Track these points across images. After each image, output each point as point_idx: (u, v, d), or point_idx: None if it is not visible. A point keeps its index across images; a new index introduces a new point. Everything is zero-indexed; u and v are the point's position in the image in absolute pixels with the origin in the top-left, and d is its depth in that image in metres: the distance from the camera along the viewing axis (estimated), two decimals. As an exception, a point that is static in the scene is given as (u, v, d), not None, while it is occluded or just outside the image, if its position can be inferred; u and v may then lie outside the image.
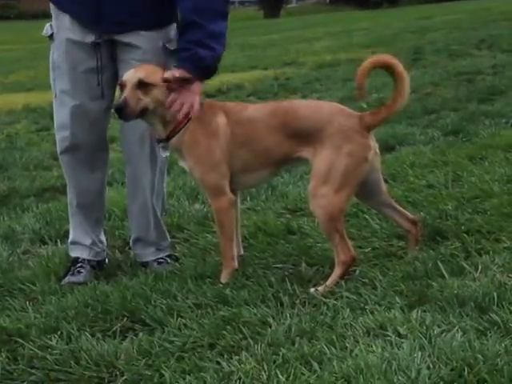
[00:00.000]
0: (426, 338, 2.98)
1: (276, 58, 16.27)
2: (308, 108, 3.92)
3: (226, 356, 3.07)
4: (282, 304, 3.51)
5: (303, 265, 3.98)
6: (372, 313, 3.29)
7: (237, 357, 3.05)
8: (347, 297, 3.49)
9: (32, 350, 3.28)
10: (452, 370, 2.75)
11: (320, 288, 3.64)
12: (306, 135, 3.76)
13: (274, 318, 3.35)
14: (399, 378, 2.72)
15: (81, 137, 4.16)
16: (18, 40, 33.65)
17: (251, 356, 3.03)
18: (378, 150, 3.82)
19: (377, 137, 3.92)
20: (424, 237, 4.13)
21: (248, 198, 5.38)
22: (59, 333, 3.41)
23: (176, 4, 4.10)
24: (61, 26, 4.10)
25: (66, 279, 4.18)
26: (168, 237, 4.43)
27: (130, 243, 4.45)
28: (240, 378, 2.87)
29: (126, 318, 3.54)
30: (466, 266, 3.70)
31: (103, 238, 4.43)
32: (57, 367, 3.13)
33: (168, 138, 3.88)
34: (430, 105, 8.67)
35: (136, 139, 4.19)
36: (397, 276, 3.66)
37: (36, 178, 6.75)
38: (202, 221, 4.99)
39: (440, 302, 3.31)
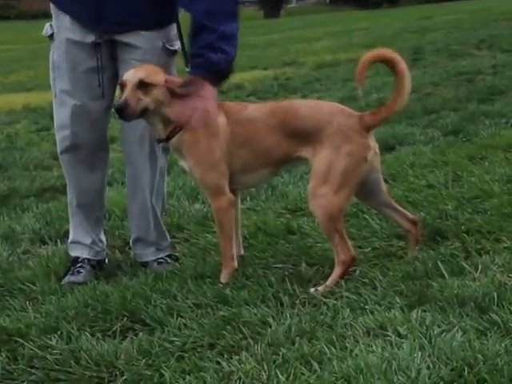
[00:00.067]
0: (426, 338, 2.98)
1: (276, 57, 16.28)
2: (308, 108, 3.92)
3: (225, 356, 3.07)
4: (281, 304, 3.51)
5: (303, 265, 3.98)
6: (372, 313, 3.29)
7: (237, 357, 3.05)
8: (347, 297, 3.49)
9: (32, 349, 3.28)
10: (452, 369, 2.75)
11: (320, 288, 3.64)
12: (305, 135, 3.76)
13: (273, 317, 3.35)
14: (399, 377, 2.72)
15: (81, 136, 4.16)
16: (18, 40, 33.64)
17: (251, 356, 3.03)
18: (377, 150, 3.82)
19: (377, 137, 3.92)
20: (424, 237, 4.12)
21: (248, 198, 5.38)
22: (59, 333, 3.41)
23: (176, 4, 4.11)
24: (61, 26, 4.10)
25: (66, 279, 4.18)
26: (168, 237, 4.44)
27: (130, 243, 4.45)
28: (240, 378, 2.87)
29: (126, 318, 3.54)
30: (466, 265, 3.70)
31: (103, 237, 4.44)
32: (57, 367, 3.13)
33: (168, 138, 3.88)
34: (430, 105, 8.67)
35: (136, 139, 4.20)
36: (397, 276, 3.66)
37: (36, 178, 6.75)
38: (201, 221, 4.99)
39: (440, 302, 3.31)
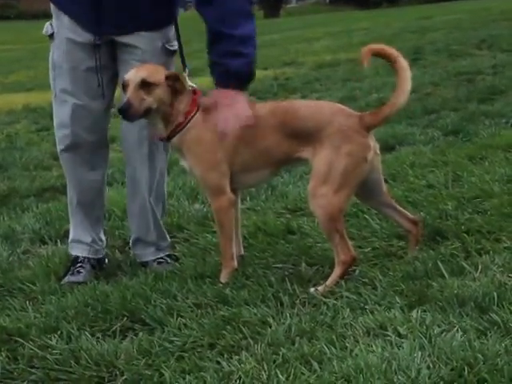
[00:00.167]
0: (426, 338, 2.97)
1: (276, 57, 16.26)
2: (308, 108, 3.92)
3: (225, 356, 3.07)
4: (282, 304, 3.51)
5: (303, 265, 3.98)
6: (372, 313, 3.29)
7: (237, 356, 3.05)
8: (347, 297, 3.49)
9: (32, 349, 3.28)
10: (452, 369, 2.75)
11: (320, 288, 3.64)
12: (305, 135, 3.76)
13: (273, 317, 3.34)
14: (399, 377, 2.72)
15: (82, 136, 4.17)
16: (18, 40, 33.65)
17: (251, 356, 3.03)
18: (378, 150, 3.82)
19: (377, 137, 3.92)
20: (424, 237, 4.12)
21: (248, 198, 5.38)
22: (59, 332, 3.41)
23: (175, 4, 4.12)
24: (61, 26, 4.10)
25: (66, 279, 4.18)
26: (168, 237, 4.44)
27: (130, 243, 4.45)
28: (240, 378, 2.87)
29: (125, 318, 3.54)
30: (466, 265, 3.70)
31: (103, 236, 4.44)
32: (57, 367, 3.13)
33: (169, 138, 3.88)
34: (430, 105, 8.67)
35: (135, 140, 4.20)
36: (397, 276, 3.66)
37: (36, 178, 6.75)
38: (201, 221, 4.99)
39: (440, 302, 3.31)
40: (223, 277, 3.87)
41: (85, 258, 4.30)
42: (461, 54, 13.61)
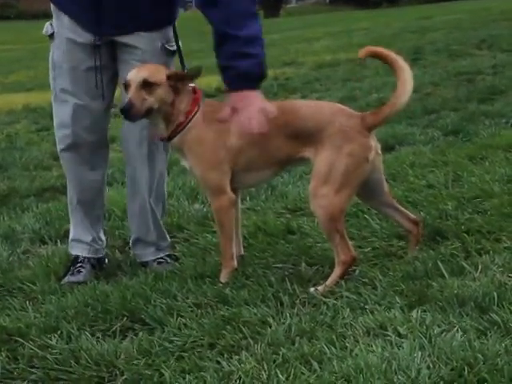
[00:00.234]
0: (426, 338, 2.97)
1: (275, 57, 16.25)
2: (309, 108, 3.92)
3: (225, 356, 3.07)
4: (281, 304, 3.51)
5: (303, 265, 3.98)
6: (372, 312, 3.29)
7: (237, 356, 3.05)
8: (347, 296, 3.49)
9: (32, 349, 3.28)
10: (452, 369, 2.75)
11: (320, 288, 3.64)
12: (307, 135, 3.75)
13: (273, 317, 3.34)
14: (399, 377, 2.72)
15: (82, 135, 4.17)
16: (18, 40, 33.65)
17: (251, 356, 3.03)
18: (379, 151, 3.82)
19: (377, 137, 3.91)
20: (424, 237, 4.12)
21: (248, 198, 5.38)
22: (59, 332, 3.41)
23: (175, 4, 4.12)
24: (61, 26, 4.11)
25: (66, 279, 4.18)
26: (168, 237, 4.44)
27: (130, 243, 4.45)
28: (240, 378, 2.87)
29: (125, 318, 3.54)
30: (466, 265, 3.70)
31: (103, 236, 4.44)
32: (57, 366, 3.13)
33: (170, 138, 3.88)
34: (430, 105, 8.67)
35: (135, 140, 4.20)
36: (397, 276, 3.66)
37: (36, 178, 6.75)
38: (201, 221, 4.99)
39: (440, 302, 3.31)
40: (223, 277, 3.87)
41: (85, 257, 4.31)
42: (461, 53, 13.61)
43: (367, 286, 3.61)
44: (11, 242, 4.92)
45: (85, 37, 4.05)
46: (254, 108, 3.71)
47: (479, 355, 2.79)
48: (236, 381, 2.87)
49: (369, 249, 4.14)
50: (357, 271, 3.81)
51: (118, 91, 4.21)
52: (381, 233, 4.33)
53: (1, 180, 6.78)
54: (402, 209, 4.04)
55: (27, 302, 3.83)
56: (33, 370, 3.15)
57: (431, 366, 2.79)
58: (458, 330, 3.03)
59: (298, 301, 3.54)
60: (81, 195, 4.31)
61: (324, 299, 3.49)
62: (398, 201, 4.17)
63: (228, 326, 3.29)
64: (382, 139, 3.90)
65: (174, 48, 4.15)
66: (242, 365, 2.95)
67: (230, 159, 3.81)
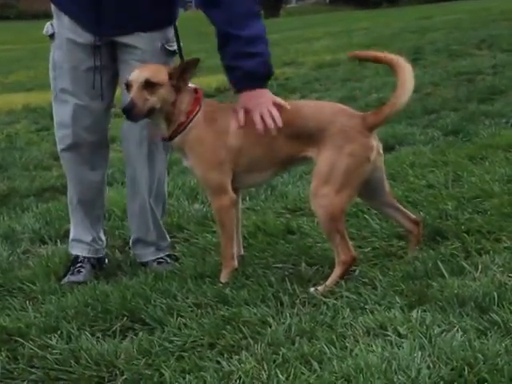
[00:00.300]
0: (426, 338, 2.97)
1: (275, 57, 16.21)
2: (310, 108, 3.92)
3: (225, 355, 3.07)
4: (281, 304, 3.51)
5: (303, 265, 3.98)
6: (372, 312, 3.28)
7: (237, 356, 3.05)
8: (347, 296, 3.49)
9: (32, 349, 3.29)
10: (452, 369, 2.75)
11: (320, 288, 3.64)
12: (308, 135, 3.75)
13: (273, 317, 3.35)
14: (399, 377, 2.72)
15: (82, 135, 4.18)
16: (18, 40, 33.65)
17: (251, 355, 3.03)
18: (381, 150, 3.81)
19: (377, 137, 3.92)
20: (424, 237, 4.12)
21: (247, 198, 5.38)
22: (59, 332, 3.42)
23: (175, 5, 4.12)
24: (62, 26, 4.11)
25: (66, 279, 4.18)
26: (168, 237, 4.44)
27: (130, 243, 4.45)
28: (240, 378, 2.87)
29: (125, 318, 3.54)
30: (466, 265, 3.70)
31: (103, 236, 4.44)
32: (57, 366, 3.14)
33: (171, 138, 3.88)
34: (430, 105, 8.67)
35: (135, 140, 4.20)
36: (397, 276, 3.66)
37: (36, 178, 6.76)
38: (201, 221, 4.99)
39: (440, 302, 3.31)
40: (223, 277, 3.87)
41: (85, 257, 4.31)
42: (461, 53, 13.60)
43: (367, 285, 3.61)
44: (11, 242, 4.92)
45: (85, 37, 4.05)
46: (265, 105, 3.73)
47: (479, 355, 2.79)
48: (236, 381, 2.87)
49: (369, 249, 4.14)
50: (357, 271, 3.81)
51: (118, 91, 4.22)
52: (381, 233, 4.33)
53: (1, 180, 6.78)
54: (403, 209, 4.04)
55: (27, 302, 3.84)
56: (33, 370, 3.15)
57: (431, 365, 2.79)
58: (458, 329, 3.03)
59: (298, 301, 3.54)
60: (81, 195, 4.32)
61: (324, 299, 3.49)
62: (398, 201, 4.17)
63: (228, 326, 3.29)
64: (382, 139, 3.89)
65: (174, 48, 4.15)
66: (242, 365, 2.95)
67: (230, 159, 3.82)
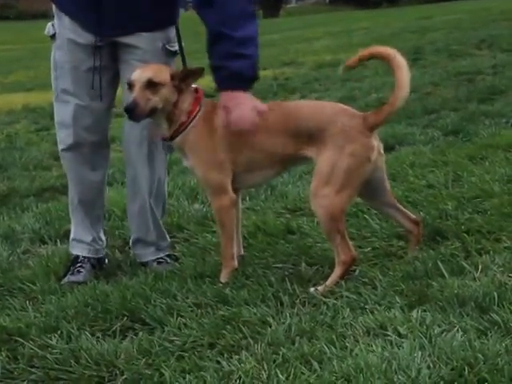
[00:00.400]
0: (426, 338, 2.97)
1: (275, 57, 16.26)
2: (310, 108, 3.92)
3: (225, 355, 3.07)
4: (281, 303, 3.50)
5: (303, 264, 3.98)
6: (372, 312, 3.28)
7: (237, 356, 3.05)
8: (347, 296, 3.49)
9: (32, 349, 3.28)
10: (452, 369, 2.75)
11: (320, 288, 3.64)
12: (308, 135, 3.75)
13: (273, 317, 3.34)
14: (399, 377, 2.72)
15: (83, 135, 4.18)
16: (18, 40, 33.64)
17: (251, 355, 3.03)
18: (381, 150, 3.81)
19: (378, 136, 3.92)
20: (424, 237, 4.12)
21: (247, 198, 5.38)
22: (59, 332, 3.41)
23: (176, 5, 4.12)
24: (63, 27, 4.11)
25: (66, 279, 4.18)
26: (168, 237, 4.44)
27: (130, 243, 4.45)
28: (240, 378, 2.87)
29: (125, 318, 3.54)
30: (466, 265, 3.70)
31: (103, 236, 4.45)
32: (57, 366, 3.14)
33: (172, 138, 3.88)
34: (430, 105, 8.67)
35: (136, 140, 4.20)
36: (397, 276, 3.66)
37: (36, 178, 6.76)
38: (201, 220, 4.99)
39: (440, 302, 3.31)
40: (223, 276, 3.87)
41: (85, 257, 4.31)
42: (461, 54, 13.61)
43: (367, 285, 3.61)
44: (11, 242, 4.92)
45: (86, 37, 4.05)
46: (245, 106, 3.74)
47: (479, 355, 2.79)
48: (236, 381, 2.87)
49: (369, 249, 4.14)
50: (357, 271, 3.80)
51: (119, 91, 4.22)
52: (381, 233, 4.33)
53: (1, 180, 6.78)
54: (403, 209, 4.04)
55: (27, 302, 3.83)
56: (33, 370, 3.15)
57: (431, 365, 2.79)
58: (458, 329, 3.03)
59: (298, 301, 3.54)
60: (81, 195, 4.32)
61: (324, 299, 3.49)
62: (399, 201, 4.17)
63: (228, 326, 3.29)
64: (382, 139, 3.89)
65: (176, 48, 4.15)
66: (242, 365, 2.95)
67: (230, 159, 3.82)
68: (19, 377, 3.14)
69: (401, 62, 3.73)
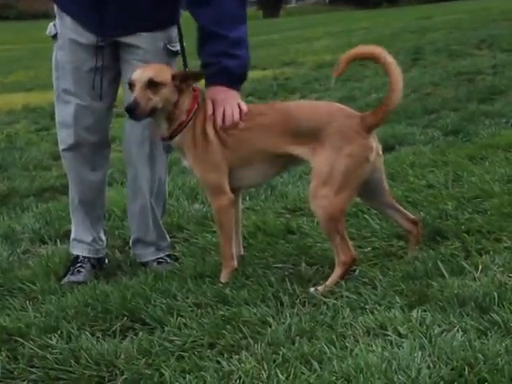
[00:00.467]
0: (426, 338, 2.97)
1: (275, 57, 16.28)
2: (308, 108, 3.92)
3: (225, 355, 3.07)
4: (281, 303, 3.50)
5: (303, 264, 3.98)
6: (372, 312, 3.28)
7: (237, 356, 3.05)
8: (347, 296, 3.49)
9: (32, 349, 3.28)
10: (452, 369, 2.75)
11: (320, 288, 3.64)
12: (305, 135, 3.74)
13: (273, 317, 3.34)
14: (399, 377, 2.72)
15: (84, 135, 4.18)
16: (18, 40, 33.65)
17: (251, 355, 3.03)
18: (380, 151, 3.81)
19: (376, 137, 3.92)
20: (424, 237, 4.12)
21: (247, 198, 5.38)
22: (59, 332, 3.41)
23: (178, 5, 4.12)
24: (64, 27, 4.11)
25: (66, 279, 4.18)
26: (168, 237, 4.44)
27: (130, 243, 4.45)
28: (240, 378, 2.87)
29: (125, 318, 3.54)
30: (466, 265, 3.70)
31: (103, 236, 4.45)
32: (57, 366, 3.14)
33: (171, 137, 3.88)
34: (430, 105, 8.67)
35: (137, 140, 4.20)
36: (397, 276, 3.66)
37: (35, 178, 6.76)
38: (201, 220, 4.99)
39: (440, 302, 3.31)
40: (223, 276, 3.87)
41: (85, 257, 4.31)
42: (461, 54, 13.61)
43: (367, 285, 3.61)
44: (11, 242, 4.92)
45: (87, 37, 4.06)
46: (230, 101, 3.82)
47: (479, 355, 2.79)
48: (236, 381, 2.87)
49: (369, 249, 4.14)
50: (357, 271, 3.80)
51: (120, 91, 4.22)
52: (381, 233, 4.33)
53: (1, 180, 6.79)
54: (402, 209, 4.03)
55: (27, 302, 3.83)
56: (33, 370, 3.15)
57: (431, 365, 2.79)
58: (458, 329, 3.03)
59: (297, 301, 3.54)
60: (82, 195, 4.32)
61: (324, 299, 3.49)
62: (397, 201, 4.16)
63: (228, 326, 3.29)
64: (382, 139, 3.90)
65: (177, 48, 4.15)
66: (242, 364, 2.95)
67: (225, 158, 3.82)
68: (19, 377, 3.14)
69: (389, 60, 3.75)
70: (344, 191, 3.69)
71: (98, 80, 4.09)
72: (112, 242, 4.74)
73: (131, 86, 3.77)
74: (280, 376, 2.84)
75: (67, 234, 4.56)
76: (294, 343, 3.10)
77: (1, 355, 3.27)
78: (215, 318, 3.39)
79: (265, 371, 2.88)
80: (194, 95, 3.87)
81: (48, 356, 3.20)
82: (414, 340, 2.97)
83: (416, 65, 12.26)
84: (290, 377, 2.83)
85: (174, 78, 3.79)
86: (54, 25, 4.17)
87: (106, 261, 4.43)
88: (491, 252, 3.88)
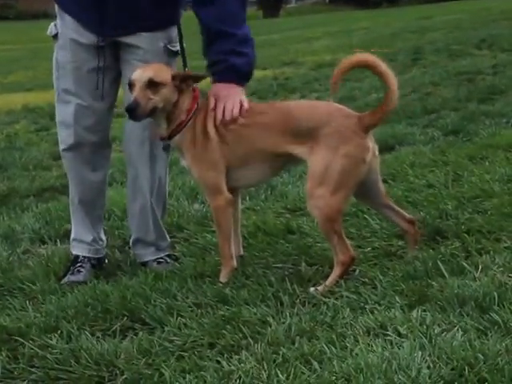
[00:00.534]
0: (426, 338, 2.97)
1: (275, 57, 16.27)
2: (305, 108, 3.92)
3: (225, 355, 3.07)
4: (281, 303, 3.50)
5: (303, 264, 3.98)
6: (372, 312, 3.28)
7: (237, 356, 3.05)
8: (347, 296, 3.49)
9: (32, 349, 3.28)
10: (452, 369, 2.75)
11: (320, 287, 3.64)
12: (305, 135, 3.74)
13: (273, 317, 3.34)
14: (399, 377, 2.72)
15: (84, 135, 4.18)
16: (18, 40, 33.64)
17: (251, 355, 3.03)
18: (376, 152, 3.80)
19: (376, 137, 3.91)
20: (424, 236, 4.12)
21: (247, 198, 5.38)
22: (59, 332, 3.41)
23: (178, 5, 4.12)
24: (65, 27, 4.11)
25: (66, 278, 4.18)
26: (168, 237, 4.44)
27: (130, 243, 4.45)
28: (240, 377, 2.87)
29: (125, 318, 3.54)
30: (466, 265, 3.70)
31: (103, 236, 4.45)
32: (57, 366, 3.14)
33: (170, 137, 3.88)
34: (430, 105, 8.67)
35: (137, 140, 4.20)
36: (397, 276, 3.66)
37: (35, 178, 6.76)
38: (201, 220, 4.99)
39: (440, 302, 3.31)
40: (223, 276, 3.87)
41: (85, 257, 4.31)
42: (461, 53, 13.60)
43: (367, 285, 3.61)
44: (11, 242, 4.92)
45: (88, 37, 4.06)
46: (232, 98, 3.83)
47: (480, 355, 2.79)
48: (236, 380, 2.87)
49: (369, 249, 4.14)
50: (357, 271, 3.81)
51: (120, 91, 4.22)
52: (381, 233, 4.33)
53: (1, 180, 6.78)
54: (398, 209, 4.02)
55: (27, 302, 3.83)
56: (33, 370, 3.15)
57: (431, 365, 2.79)
58: (458, 329, 3.03)
59: (297, 301, 3.54)
60: (82, 195, 4.32)
61: (324, 299, 3.49)
62: (394, 201, 4.16)
63: (228, 326, 3.29)
64: (381, 139, 3.90)
65: (177, 49, 4.16)
66: (242, 364, 2.95)
67: (223, 157, 3.82)
68: (19, 377, 3.14)
69: (383, 67, 3.76)
70: (340, 191, 3.69)
71: (101, 80, 4.09)
72: (112, 242, 4.74)
73: (131, 86, 3.77)
74: (280, 376, 2.84)
75: (67, 233, 4.56)
76: (294, 343, 3.10)
77: (1, 355, 3.27)
78: (215, 317, 3.39)
79: (265, 371, 2.88)
80: (194, 95, 3.87)
81: (48, 356, 3.20)
82: (414, 340, 2.97)
83: (416, 65, 12.25)
84: (290, 377, 2.83)
85: (173, 78, 3.79)
86: (55, 25, 4.17)
87: (106, 261, 4.43)
88: (491, 252, 3.88)
